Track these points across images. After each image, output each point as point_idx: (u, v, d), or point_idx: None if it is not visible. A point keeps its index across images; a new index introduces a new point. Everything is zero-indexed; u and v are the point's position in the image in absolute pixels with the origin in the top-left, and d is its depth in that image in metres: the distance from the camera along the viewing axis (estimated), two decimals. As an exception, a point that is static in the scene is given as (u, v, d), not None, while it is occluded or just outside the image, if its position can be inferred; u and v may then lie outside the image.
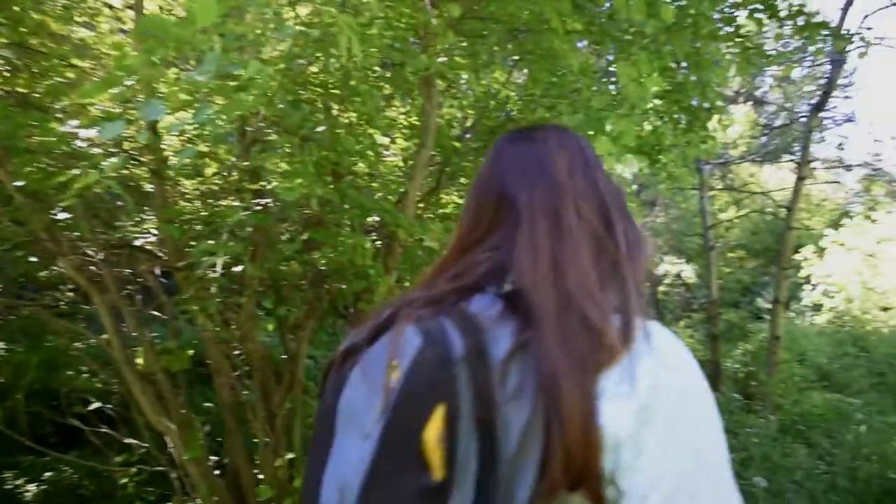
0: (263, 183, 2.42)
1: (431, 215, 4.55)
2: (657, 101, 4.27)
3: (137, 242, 2.97)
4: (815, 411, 4.64)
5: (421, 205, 4.62)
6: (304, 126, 2.78)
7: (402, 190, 3.29)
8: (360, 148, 3.43)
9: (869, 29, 3.57)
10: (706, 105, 3.78)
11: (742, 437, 4.62)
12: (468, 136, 4.31)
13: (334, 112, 3.16)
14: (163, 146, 2.66)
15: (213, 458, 3.86)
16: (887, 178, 21.86)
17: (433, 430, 0.47)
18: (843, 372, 6.45)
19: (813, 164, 6.14)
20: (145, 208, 2.83)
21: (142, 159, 2.39)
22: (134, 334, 2.86)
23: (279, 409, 3.02)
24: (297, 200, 2.76)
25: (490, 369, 0.50)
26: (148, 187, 2.81)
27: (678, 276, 10.21)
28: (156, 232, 2.82)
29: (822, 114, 5.25)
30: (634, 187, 9.44)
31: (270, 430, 3.03)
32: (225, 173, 2.99)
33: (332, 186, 2.63)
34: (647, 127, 4.52)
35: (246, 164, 2.68)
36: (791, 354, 6.63)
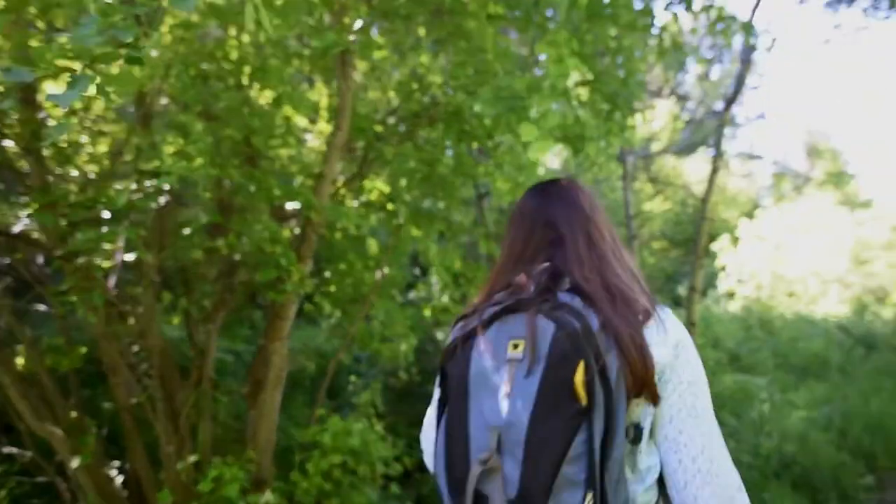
0: (158, 163, 2.20)
1: (355, 202, 4.41)
2: (580, 91, 4.33)
3: (16, 229, 2.66)
4: (725, 392, 4.89)
5: (342, 191, 4.47)
6: (207, 103, 2.57)
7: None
8: (279, 131, 3.24)
9: (775, 27, 3.73)
10: (627, 95, 3.84)
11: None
12: (391, 121, 4.18)
13: (244, 89, 2.96)
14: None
15: (115, 462, 3.59)
16: (793, 172, 23.59)
17: (579, 376, 0.76)
18: (751, 354, 6.87)
19: (729, 158, 6.44)
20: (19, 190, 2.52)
21: (7, 133, 2.10)
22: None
23: (183, 407, 2.81)
24: (203, 183, 2.56)
25: (595, 337, 0.80)
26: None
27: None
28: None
29: (734, 109, 5.49)
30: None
31: (173, 432, 2.82)
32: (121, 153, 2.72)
33: (238, 169, 2.44)
34: (570, 115, 4.58)
35: (140, 142, 2.44)
36: (705, 340, 6.98)
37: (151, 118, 2.56)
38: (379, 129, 3.82)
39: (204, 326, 3.32)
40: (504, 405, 0.79)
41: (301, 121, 4.20)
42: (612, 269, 0.94)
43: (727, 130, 5.61)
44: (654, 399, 0.86)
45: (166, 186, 2.17)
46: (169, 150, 2.20)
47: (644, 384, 0.83)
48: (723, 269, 16.03)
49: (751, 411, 4.19)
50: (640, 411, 0.87)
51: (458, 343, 0.89)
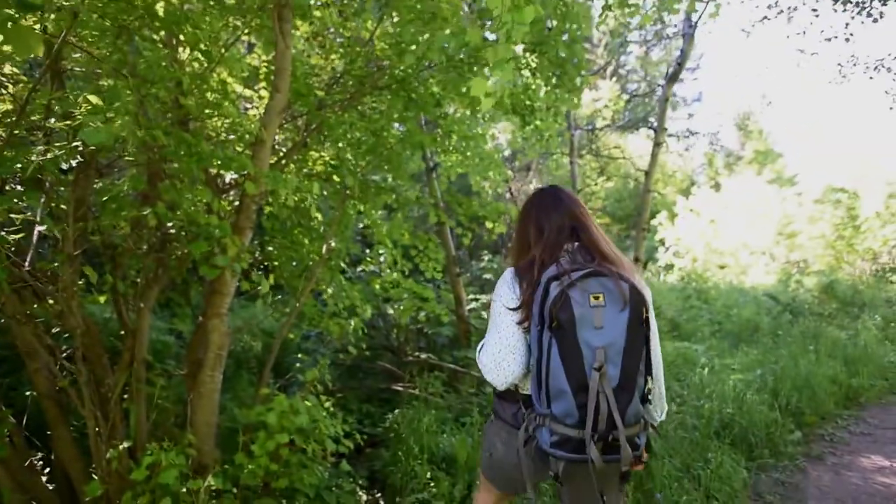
0: (69, 122, 1.96)
1: (297, 173, 4.20)
2: (529, 57, 4.27)
3: None
4: (668, 358, 5.06)
5: (285, 162, 4.25)
6: (126, 57, 2.32)
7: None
8: (214, 95, 3.00)
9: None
10: (574, 59, 3.82)
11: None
12: (335, 88, 3.98)
13: (171, 47, 2.70)
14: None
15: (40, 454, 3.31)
16: (726, 151, 24.67)
17: (646, 314, 1.42)
18: (689, 322, 7.18)
19: (667, 135, 6.61)
20: None
21: None
22: None
23: (112, 392, 2.60)
24: (127, 147, 2.33)
25: (633, 289, 1.42)
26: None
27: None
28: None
29: (675, 85, 5.61)
30: (506, 153, 9.63)
31: (102, 418, 2.61)
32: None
33: (166, 131, 2.22)
34: (519, 82, 4.52)
35: (49, 100, 2.17)
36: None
37: (62, 73, 2.29)
38: (321, 94, 3.62)
39: (134, 305, 3.09)
40: (601, 336, 1.38)
41: (238, 87, 3.93)
42: (612, 246, 1.59)
43: (669, 106, 5.73)
44: (647, 323, 1.46)
45: (80, 148, 1.94)
46: (84, 109, 1.96)
47: (639, 310, 1.42)
48: (661, 243, 16.70)
49: (692, 376, 4.35)
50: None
51: (562, 291, 1.40)
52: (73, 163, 2.29)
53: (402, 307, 4.41)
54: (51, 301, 2.56)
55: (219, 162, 2.20)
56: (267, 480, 2.79)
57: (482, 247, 10.08)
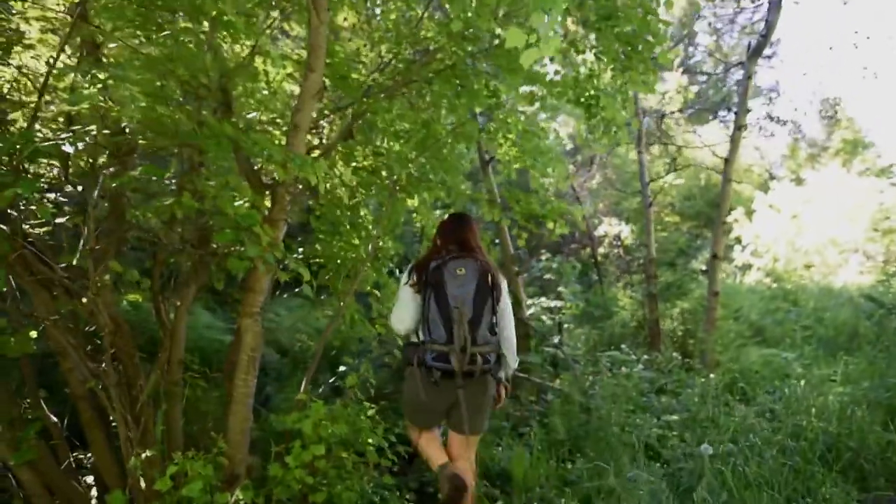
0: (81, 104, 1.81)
1: (343, 166, 4.00)
2: (592, 37, 3.87)
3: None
4: (752, 367, 4.50)
5: (333, 155, 4.06)
6: (150, 35, 2.16)
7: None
8: (244, 74, 2.84)
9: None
10: (647, 36, 3.39)
11: (684, 397, 4.41)
12: (381, 74, 3.75)
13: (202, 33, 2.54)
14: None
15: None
16: (809, 141, 22.78)
17: (490, 281, 2.44)
18: (775, 326, 6.46)
19: (746, 121, 5.97)
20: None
21: None
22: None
23: (143, 394, 2.45)
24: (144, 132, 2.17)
25: (489, 268, 2.49)
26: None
27: (617, 237, 10.08)
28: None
29: (759, 61, 5.02)
30: (569, 147, 9.15)
31: (133, 422, 2.47)
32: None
33: (188, 112, 2.05)
34: (583, 71, 4.12)
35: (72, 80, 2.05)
36: (726, 311, 6.57)
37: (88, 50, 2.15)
38: (364, 78, 3.39)
39: (172, 304, 2.96)
40: (460, 290, 2.38)
41: (283, 80, 3.79)
42: (480, 247, 2.60)
43: (751, 86, 5.12)
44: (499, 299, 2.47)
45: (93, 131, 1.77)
46: (94, 89, 1.80)
47: (496, 288, 2.46)
48: (738, 241, 15.52)
49: (785, 388, 3.80)
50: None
51: (437, 267, 2.41)
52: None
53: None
54: (83, 300, 2.45)
55: (243, 144, 1.99)
56: (305, 493, 2.56)
57: (542, 245, 9.64)
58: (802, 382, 3.83)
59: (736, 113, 5.03)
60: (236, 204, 2.26)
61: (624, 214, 11.89)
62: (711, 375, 4.47)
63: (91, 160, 2.11)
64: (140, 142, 2.18)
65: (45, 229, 2.16)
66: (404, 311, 2.46)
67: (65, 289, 2.42)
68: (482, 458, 3.28)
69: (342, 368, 3.58)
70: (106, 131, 1.97)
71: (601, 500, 2.78)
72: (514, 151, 4.91)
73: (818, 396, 3.60)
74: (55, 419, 2.75)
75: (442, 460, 2.46)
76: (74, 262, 2.15)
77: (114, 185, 2.43)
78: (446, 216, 2.79)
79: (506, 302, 2.50)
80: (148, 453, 2.24)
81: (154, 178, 2.68)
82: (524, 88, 4.05)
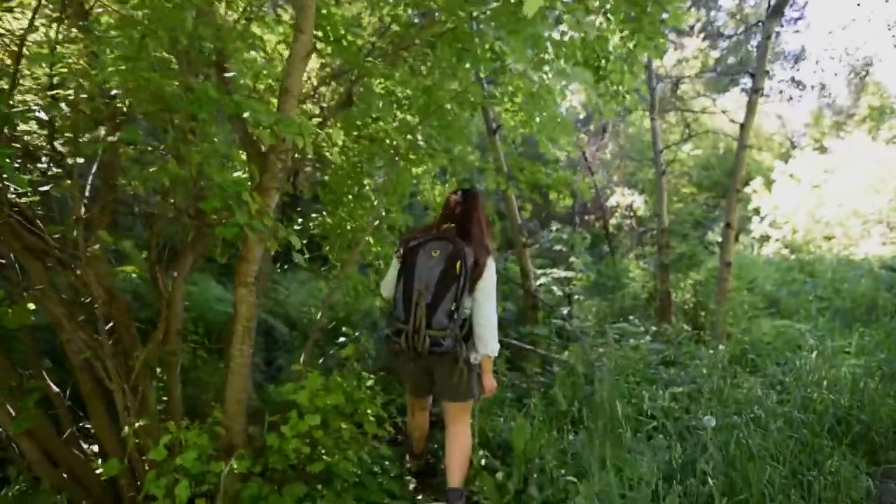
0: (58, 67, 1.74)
1: (345, 137, 3.92)
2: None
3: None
4: (764, 338, 4.40)
5: (332, 123, 3.97)
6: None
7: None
8: (238, 38, 2.75)
9: None
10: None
11: (691, 368, 4.34)
12: (379, 39, 3.63)
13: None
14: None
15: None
16: (834, 108, 22.04)
17: (458, 268, 2.43)
18: (790, 298, 6.31)
19: (767, 88, 5.70)
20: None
21: None
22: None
23: (140, 364, 2.45)
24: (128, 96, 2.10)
25: (464, 253, 2.46)
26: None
27: (629, 207, 9.89)
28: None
29: (776, 35, 4.76)
30: (581, 116, 8.91)
31: (130, 392, 2.47)
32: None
33: (172, 77, 1.97)
34: (592, 33, 3.94)
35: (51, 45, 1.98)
36: (740, 283, 6.43)
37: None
38: (361, 41, 3.28)
39: (169, 274, 2.94)
40: (428, 273, 2.47)
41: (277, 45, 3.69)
42: (481, 233, 2.60)
43: (770, 47, 4.88)
44: (475, 284, 2.48)
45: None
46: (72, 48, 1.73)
47: (474, 278, 2.47)
48: (756, 212, 15.17)
49: (796, 360, 3.70)
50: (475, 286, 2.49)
51: (415, 247, 2.54)
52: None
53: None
54: (76, 270, 2.43)
55: (227, 107, 1.91)
56: (302, 463, 2.57)
57: (553, 216, 9.51)
58: (814, 354, 3.73)
59: (753, 76, 4.81)
60: (230, 172, 2.22)
61: (639, 185, 11.66)
62: (720, 347, 4.39)
63: (73, 126, 2.05)
64: (118, 106, 2.11)
65: (33, 199, 2.12)
66: (388, 279, 2.79)
67: (58, 259, 2.41)
68: (482, 428, 3.26)
69: (341, 339, 3.55)
70: (84, 95, 1.90)
71: (602, 472, 2.75)
72: (519, 116, 4.77)
73: (830, 368, 3.50)
74: (57, 389, 2.78)
75: (417, 451, 3.07)
76: (62, 232, 2.12)
77: (103, 152, 2.39)
78: (455, 189, 2.84)
79: (484, 286, 2.49)
80: (141, 422, 2.24)
81: (150, 147, 2.65)
82: (529, 52, 3.90)
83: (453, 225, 2.61)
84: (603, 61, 3.75)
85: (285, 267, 6.93)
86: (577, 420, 3.51)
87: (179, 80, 2.04)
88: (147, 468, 2.28)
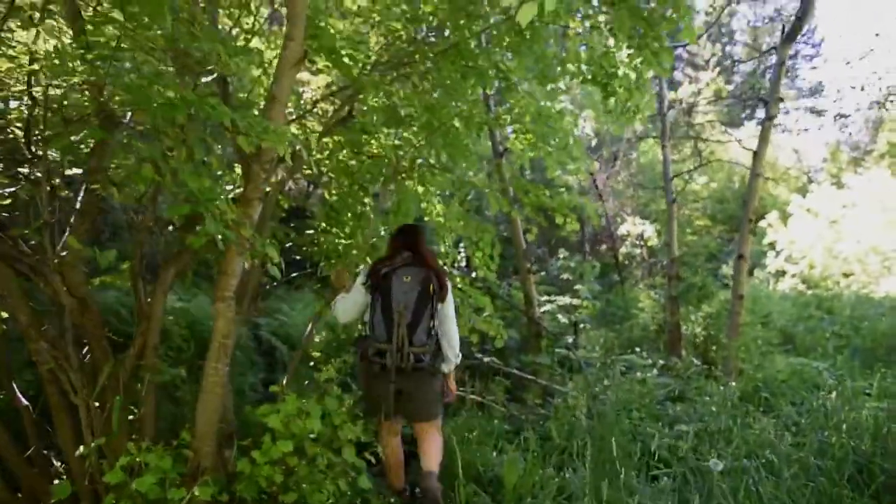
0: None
1: (346, 154, 3.83)
2: (605, 13, 3.61)
3: None
4: (778, 377, 4.17)
5: (333, 139, 3.90)
6: None
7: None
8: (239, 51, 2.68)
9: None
10: (666, 9, 3.11)
11: (700, 405, 4.11)
12: (379, 56, 3.57)
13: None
14: None
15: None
16: (851, 143, 21.79)
17: (431, 290, 2.73)
18: (806, 334, 6.04)
19: (782, 114, 5.55)
20: None
21: None
22: None
23: (104, 377, 2.31)
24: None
25: (433, 277, 2.76)
26: None
27: (640, 236, 9.68)
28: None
29: (794, 45, 4.63)
30: (593, 143, 8.81)
31: (98, 408, 2.34)
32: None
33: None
34: (598, 48, 3.85)
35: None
36: (754, 317, 6.18)
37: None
38: (359, 55, 3.21)
39: (151, 286, 2.83)
40: (404, 296, 2.69)
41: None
42: (434, 260, 2.91)
43: (784, 74, 4.76)
44: (439, 305, 2.78)
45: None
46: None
47: (440, 300, 2.77)
48: (771, 246, 14.85)
49: (813, 400, 3.47)
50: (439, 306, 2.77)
51: (387, 274, 2.73)
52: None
53: (459, 316, 3.86)
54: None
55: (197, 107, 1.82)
56: (274, 493, 2.40)
57: (563, 244, 9.34)
58: (833, 395, 3.49)
59: (766, 102, 4.68)
60: (207, 180, 2.11)
61: (652, 216, 11.48)
62: (731, 383, 4.15)
63: (46, 125, 1.97)
64: (103, 103, 2.03)
65: (3, 202, 2.03)
66: (349, 305, 2.86)
67: (29, 266, 2.31)
68: (472, 462, 3.07)
69: (312, 364, 3.40)
70: (59, 92, 1.82)
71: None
72: (527, 138, 4.67)
73: (850, 410, 3.26)
74: (26, 402, 2.65)
75: (398, 485, 3.04)
76: (26, 237, 2.02)
77: (90, 156, 2.31)
78: (400, 226, 3.13)
79: (449, 301, 2.83)
80: (96, 442, 2.09)
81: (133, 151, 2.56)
82: (533, 68, 3.81)
83: (409, 254, 2.83)
84: (610, 78, 3.64)
85: (286, 286, 6.83)
86: (576, 456, 3.30)
87: (168, 85, 1.95)
88: (99, 492, 2.12)
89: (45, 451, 2.71)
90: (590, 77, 3.90)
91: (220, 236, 1.93)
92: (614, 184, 10.10)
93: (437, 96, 3.89)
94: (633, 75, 3.57)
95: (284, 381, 2.95)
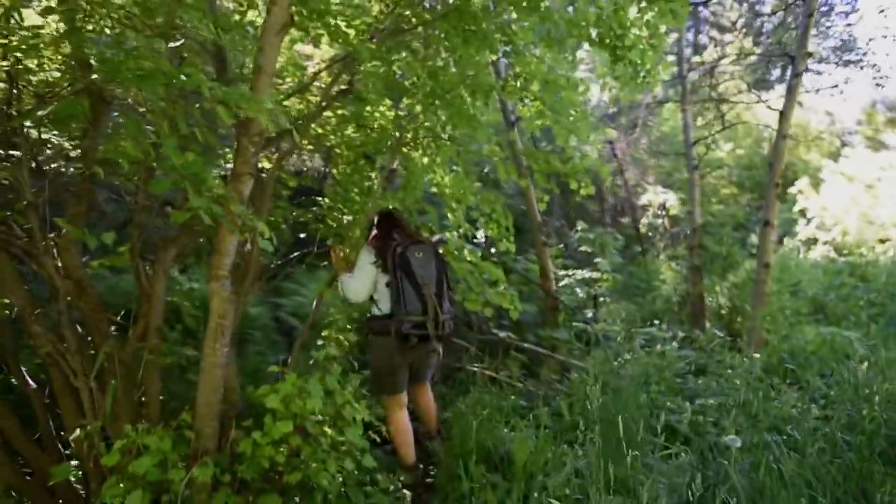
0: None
1: (344, 122, 3.73)
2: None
3: None
4: (807, 347, 3.98)
5: (332, 112, 3.79)
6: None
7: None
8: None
9: None
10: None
11: (723, 378, 3.96)
12: (382, 28, 3.41)
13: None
14: None
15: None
16: (889, 103, 20.75)
17: (442, 261, 3.11)
18: (838, 303, 5.78)
19: (813, 67, 5.23)
20: None
21: None
22: None
23: (101, 359, 2.29)
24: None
25: (434, 249, 3.10)
26: None
27: (662, 206, 9.37)
28: None
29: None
30: (612, 110, 8.50)
31: (98, 390, 2.32)
32: None
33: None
34: (608, 7, 3.63)
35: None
36: (782, 287, 5.93)
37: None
38: (355, 22, 3.08)
39: (152, 267, 2.80)
40: (423, 270, 2.92)
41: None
42: (415, 231, 3.28)
43: (812, 26, 4.43)
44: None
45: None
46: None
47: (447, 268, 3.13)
48: (802, 214, 14.31)
49: (843, 371, 3.29)
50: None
51: (402, 251, 2.91)
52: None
53: (469, 288, 3.73)
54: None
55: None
56: (280, 472, 2.37)
57: (583, 215, 9.12)
58: (865, 365, 3.31)
59: (793, 58, 4.38)
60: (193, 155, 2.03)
61: (675, 185, 11.12)
62: (755, 355, 3.99)
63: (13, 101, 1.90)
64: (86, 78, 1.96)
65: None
66: (361, 285, 2.94)
67: (23, 249, 2.28)
68: (482, 440, 3.00)
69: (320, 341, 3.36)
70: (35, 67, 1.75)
71: (614, 492, 2.45)
72: (536, 106, 4.48)
73: (883, 382, 3.08)
74: (34, 385, 2.67)
75: (410, 461, 3.01)
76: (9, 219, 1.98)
77: (84, 137, 2.26)
78: (379, 214, 3.27)
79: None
80: (92, 426, 2.07)
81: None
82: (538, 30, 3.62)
83: (401, 233, 3.06)
84: (620, 39, 3.43)
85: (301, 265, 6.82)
86: (591, 432, 3.21)
87: (142, 55, 1.86)
88: (101, 474, 2.11)
89: (55, 434, 2.74)
90: (597, 40, 3.69)
91: (204, 212, 1.85)
92: (634, 152, 9.76)
93: (440, 63, 3.74)
94: (644, 32, 3.36)
95: (289, 361, 2.91)
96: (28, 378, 2.66)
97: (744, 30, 15.98)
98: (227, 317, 2.39)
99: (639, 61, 3.77)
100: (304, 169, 6.42)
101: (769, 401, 3.19)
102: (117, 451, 2.00)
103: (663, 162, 11.93)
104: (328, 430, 2.42)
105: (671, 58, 6.43)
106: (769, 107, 5.05)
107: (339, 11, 2.95)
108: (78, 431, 2.07)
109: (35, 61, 1.88)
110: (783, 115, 4.39)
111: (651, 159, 10.49)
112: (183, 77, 1.70)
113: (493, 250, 5.27)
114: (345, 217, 3.92)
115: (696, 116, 8.93)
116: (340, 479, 2.49)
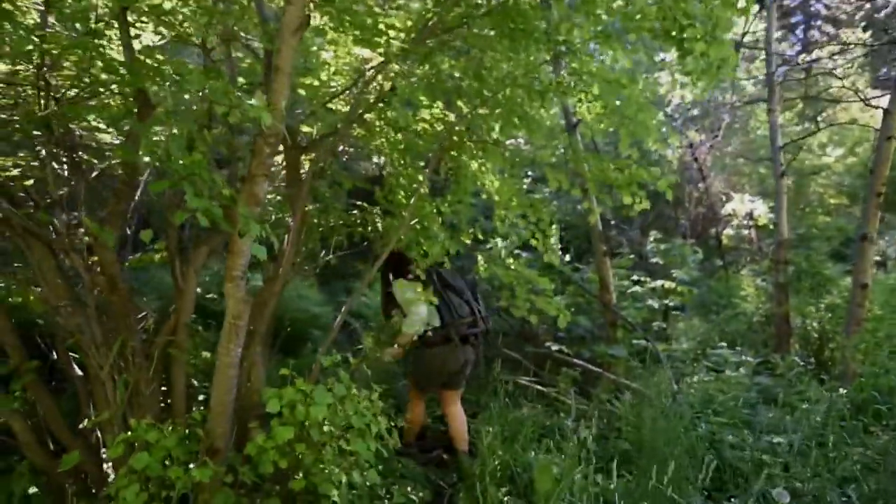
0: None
1: (379, 125, 3.68)
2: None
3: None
4: (905, 384, 3.40)
5: (373, 116, 3.75)
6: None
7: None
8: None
9: None
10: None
11: (800, 413, 3.49)
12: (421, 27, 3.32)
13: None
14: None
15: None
16: None
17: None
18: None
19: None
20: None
21: None
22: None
23: (115, 351, 2.36)
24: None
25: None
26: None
27: (749, 215, 8.52)
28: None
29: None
30: (695, 112, 7.87)
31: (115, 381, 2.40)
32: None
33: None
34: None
35: None
36: (886, 311, 5.15)
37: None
38: (389, 20, 3.01)
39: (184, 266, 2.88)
40: (457, 282, 3.61)
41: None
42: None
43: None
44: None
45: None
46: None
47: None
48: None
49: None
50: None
51: (439, 274, 3.54)
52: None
53: (515, 297, 3.55)
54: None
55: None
56: (285, 477, 2.33)
57: (659, 225, 8.54)
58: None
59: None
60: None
61: (768, 194, 10.13)
62: (842, 390, 3.47)
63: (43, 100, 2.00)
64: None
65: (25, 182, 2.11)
66: (424, 308, 3.29)
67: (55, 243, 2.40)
68: (507, 462, 2.80)
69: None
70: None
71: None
72: (597, 108, 4.19)
73: None
74: (81, 373, 2.82)
75: (411, 439, 3.55)
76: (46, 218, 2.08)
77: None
78: (398, 254, 3.47)
79: None
80: (97, 419, 2.13)
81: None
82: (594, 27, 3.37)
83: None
84: (684, 31, 3.11)
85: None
86: (630, 462, 2.92)
87: (149, 55, 1.90)
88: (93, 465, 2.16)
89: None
90: (662, 33, 3.38)
91: (202, 213, 1.84)
92: (719, 157, 8.98)
93: (487, 63, 3.60)
94: (707, 25, 3.02)
95: (313, 366, 2.88)
96: (76, 366, 2.82)
97: (862, 24, 14.34)
98: (241, 317, 2.39)
99: (710, 55, 3.42)
100: (363, 171, 6.51)
101: (850, 445, 2.74)
102: (120, 444, 2.04)
103: (759, 169, 10.93)
104: (335, 440, 2.35)
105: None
106: (867, 103, 4.34)
107: (369, 12, 2.89)
108: (86, 422, 2.14)
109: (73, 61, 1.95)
110: (888, 112, 3.79)
111: (742, 165, 9.62)
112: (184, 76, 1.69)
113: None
114: (394, 222, 3.87)
115: (795, 118, 8.07)
116: (352, 489, 2.41)
